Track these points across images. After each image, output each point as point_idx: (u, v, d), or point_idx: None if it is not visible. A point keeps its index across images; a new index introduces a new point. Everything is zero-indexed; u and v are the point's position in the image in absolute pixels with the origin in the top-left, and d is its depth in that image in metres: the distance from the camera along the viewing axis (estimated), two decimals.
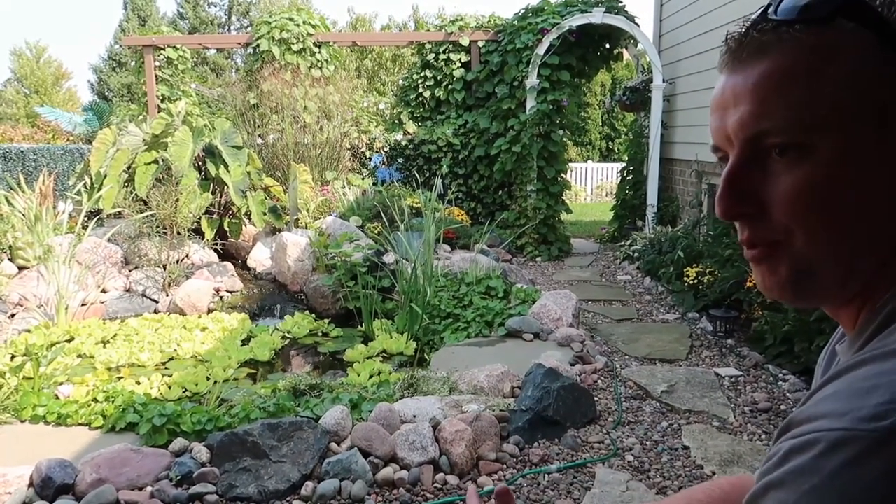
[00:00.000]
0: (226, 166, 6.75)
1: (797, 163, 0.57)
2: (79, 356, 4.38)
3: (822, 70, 0.56)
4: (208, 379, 3.96)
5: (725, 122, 0.62)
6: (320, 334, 5.08)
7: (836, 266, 0.58)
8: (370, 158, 9.20)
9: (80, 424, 3.13)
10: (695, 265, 5.40)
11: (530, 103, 8.05)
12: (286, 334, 4.97)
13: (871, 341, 0.56)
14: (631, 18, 8.11)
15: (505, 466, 2.82)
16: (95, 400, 3.31)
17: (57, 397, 3.40)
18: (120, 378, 3.99)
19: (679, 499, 0.87)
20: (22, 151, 7.98)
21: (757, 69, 0.59)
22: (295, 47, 9.24)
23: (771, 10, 0.59)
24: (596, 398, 3.46)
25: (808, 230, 0.58)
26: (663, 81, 8.01)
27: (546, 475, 2.75)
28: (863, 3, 0.55)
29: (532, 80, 8.00)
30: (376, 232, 6.36)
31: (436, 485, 2.67)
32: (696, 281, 5.19)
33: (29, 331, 4.77)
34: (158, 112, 8.55)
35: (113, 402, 3.20)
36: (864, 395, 0.48)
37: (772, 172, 0.59)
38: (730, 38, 0.62)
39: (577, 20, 7.94)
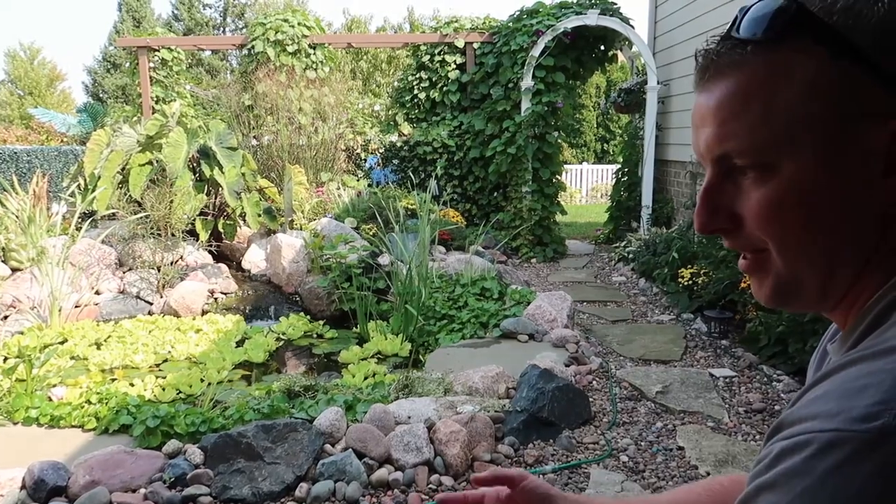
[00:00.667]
0: (220, 168, 6.74)
1: (762, 181, 0.58)
2: (72, 358, 4.36)
3: (776, 89, 0.57)
4: (202, 381, 3.95)
5: (699, 140, 0.63)
6: (315, 336, 5.07)
7: (814, 276, 0.59)
8: (365, 160, 9.19)
9: (73, 426, 3.11)
10: (689, 266, 5.41)
11: (525, 105, 8.06)
12: (281, 336, 4.96)
13: (861, 340, 0.56)
14: (625, 20, 8.13)
15: (500, 467, 2.81)
16: (89, 402, 3.29)
17: (50, 399, 3.38)
18: (114, 380, 3.97)
19: (678, 493, 0.87)
20: (15, 153, 7.95)
21: (717, 90, 0.60)
22: (290, 49, 9.23)
23: (734, 28, 0.59)
24: (591, 399, 3.46)
25: (780, 244, 0.59)
26: (658, 83, 8.03)
27: (541, 476, 2.75)
28: (812, 19, 0.55)
29: (527, 82, 8.01)
30: (371, 233, 6.36)
31: (430, 486, 2.67)
32: (690, 282, 5.20)
33: (22, 333, 4.75)
34: (153, 113, 8.53)
35: (106, 403, 3.19)
36: (855, 396, 0.48)
37: (743, 189, 0.60)
38: (698, 55, 0.62)
39: (571, 22, 7.95)
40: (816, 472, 0.46)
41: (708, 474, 2.75)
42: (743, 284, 4.43)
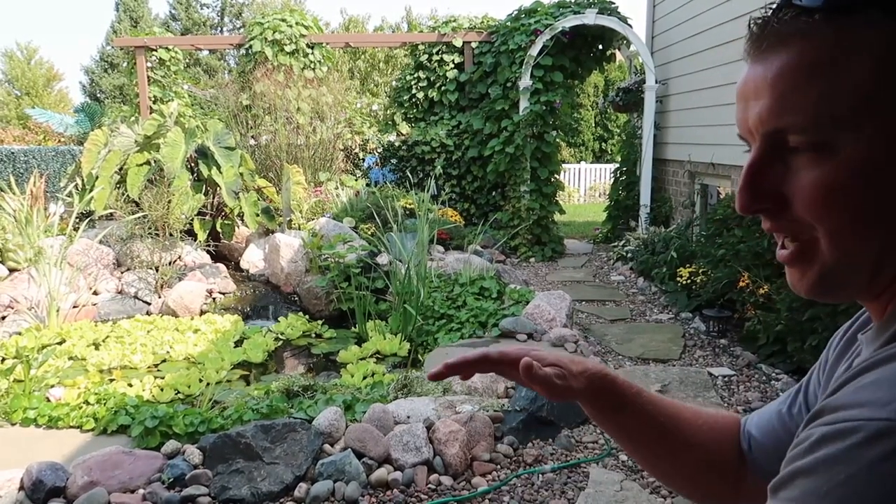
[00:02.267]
0: (218, 167, 6.73)
1: (818, 161, 0.55)
2: (70, 358, 4.35)
3: (844, 64, 0.54)
4: (201, 381, 3.94)
5: (747, 114, 0.60)
6: (314, 335, 5.06)
7: (861, 265, 0.57)
8: (363, 159, 9.18)
9: (71, 427, 3.11)
10: (688, 265, 5.41)
11: (523, 104, 8.06)
12: (279, 336, 4.96)
13: None
14: (623, 20, 8.13)
15: (499, 467, 2.82)
16: (87, 402, 3.29)
17: (48, 400, 3.38)
18: (112, 380, 3.97)
19: (686, 407, 0.87)
20: (13, 153, 7.94)
21: (776, 61, 0.57)
22: (288, 48, 9.22)
23: None
24: None
25: (830, 229, 0.56)
26: (656, 82, 8.03)
27: (540, 475, 2.75)
28: None
29: (525, 81, 8.01)
30: (370, 233, 6.35)
31: (430, 485, 2.66)
32: (689, 281, 5.20)
33: (20, 333, 4.74)
34: (150, 113, 8.52)
35: (104, 404, 3.18)
36: None
37: (793, 168, 0.57)
38: (752, 25, 0.59)
39: (569, 21, 7.95)
40: (862, 460, 0.44)
41: None
42: (741, 283, 4.43)
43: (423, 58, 9.41)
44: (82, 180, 6.75)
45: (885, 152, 0.53)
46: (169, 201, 6.16)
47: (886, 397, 0.46)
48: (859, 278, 0.58)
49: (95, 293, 5.58)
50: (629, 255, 7.14)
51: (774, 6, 0.57)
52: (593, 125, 18.49)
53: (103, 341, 4.68)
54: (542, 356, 0.86)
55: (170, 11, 28.73)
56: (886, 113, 0.53)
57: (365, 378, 3.86)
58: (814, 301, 0.64)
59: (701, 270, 5.13)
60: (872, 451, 0.44)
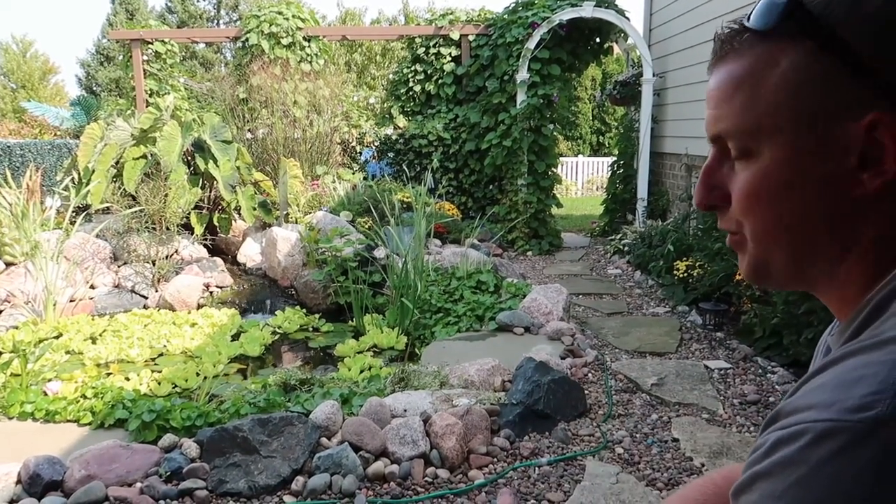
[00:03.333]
0: (215, 161, 6.72)
1: (746, 164, 0.61)
2: (67, 352, 4.35)
3: (762, 77, 0.59)
4: (198, 375, 3.94)
5: (706, 120, 0.66)
6: (311, 329, 5.07)
7: (783, 261, 0.62)
8: (360, 153, 9.16)
9: (68, 421, 3.11)
10: (684, 259, 5.42)
11: (521, 97, 8.04)
12: (276, 329, 4.96)
13: (860, 332, 0.56)
14: (621, 12, 8.11)
15: (495, 460, 2.83)
16: (84, 396, 3.29)
17: (45, 394, 3.38)
18: (109, 374, 3.97)
19: (673, 500, 0.87)
20: (8, 146, 7.91)
21: (719, 74, 0.63)
22: (284, 41, 9.19)
23: (747, 17, 0.61)
24: (586, 391, 3.47)
25: (752, 227, 0.62)
26: (653, 75, 8.02)
27: (537, 468, 2.76)
28: (803, 10, 0.56)
29: (522, 75, 7.99)
30: (367, 227, 6.35)
31: (426, 479, 2.67)
32: (685, 274, 5.21)
33: (16, 327, 4.74)
34: (146, 107, 8.49)
35: (102, 398, 3.18)
36: (850, 386, 0.48)
37: (735, 170, 0.63)
38: (715, 39, 0.65)
39: (567, 14, 7.93)
40: (811, 461, 0.46)
41: (703, 466, 2.76)
42: (738, 277, 4.44)
43: (420, 51, 9.38)
44: (78, 174, 6.73)
45: (798, 158, 0.58)
46: (166, 195, 6.14)
47: (831, 398, 0.48)
48: (781, 271, 0.63)
49: (92, 287, 5.57)
50: (626, 248, 7.15)
51: (732, 24, 0.63)
52: (591, 118, 18.46)
53: (100, 335, 4.68)
54: None
55: (166, 4, 28.60)
56: (798, 122, 0.57)
57: (362, 372, 3.87)
58: (809, 294, 0.68)
59: (697, 264, 5.14)
60: (819, 452, 0.46)
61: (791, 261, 0.62)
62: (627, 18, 8.08)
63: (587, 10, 7.93)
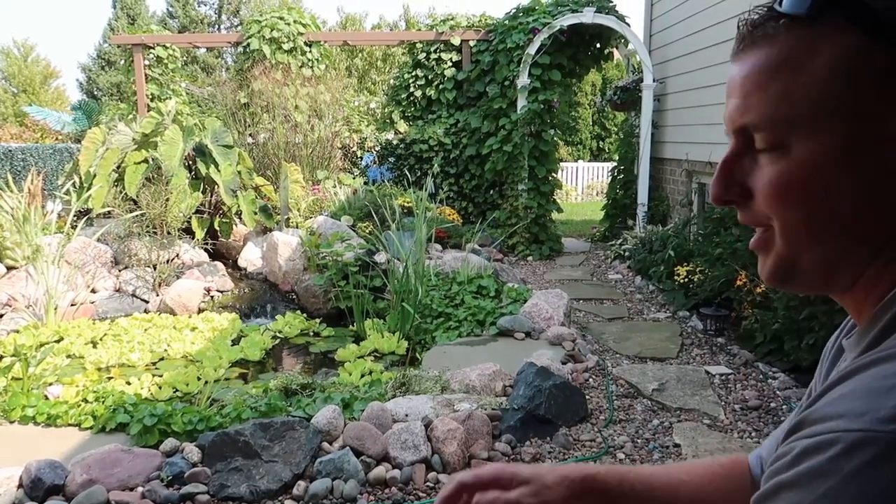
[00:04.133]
0: (216, 166, 6.72)
1: (776, 158, 0.58)
2: (68, 356, 4.35)
3: (802, 66, 0.55)
4: (199, 379, 3.94)
5: (726, 110, 0.63)
6: (311, 334, 5.07)
7: (813, 261, 0.59)
8: (361, 158, 9.18)
9: (69, 425, 3.11)
10: (685, 264, 5.42)
11: (521, 103, 8.06)
12: (277, 334, 4.96)
13: (882, 338, 0.54)
14: (621, 18, 8.14)
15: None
16: (85, 400, 3.29)
17: (46, 398, 3.38)
18: (110, 378, 3.97)
19: (676, 468, 0.86)
20: (10, 151, 7.92)
21: (748, 62, 0.59)
22: (285, 46, 9.21)
23: (777, 1, 0.58)
24: (587, 397, 3.47)
25: (782, 224, 0.59)
26: (653, 81, 8.04)
27: None
28: None
29: (523, 80, 8.01)
30: (367, 231, 6.35)
31: (428, 483, 2.67)
32: (686, 279, 5.21)
33: (18, 331, 4.74)
34: (148, 111, 8.50)
35: (103, 402, 3.19)
36: (882, 395, 0.46)
37: (758, 164, 0.60)
38: (740, 26, 0.61)
39: (567, 20, 7.96)
40: (841, 472, 0.45)
41: None
42: (738, 282, 4.44)
43: (421, 56, 9.41)
44: (80, 178, 6.73)
45: (836, 155, 0.55)
46: (167, 199, 6.15)
47: (862, 407, 0.47)
48: (810, 272, 0.60)
49: (93, 291, 5.57)
50: (627, 253, 7.15)
51: (758, 10, 0.60)
52: (591, 124, 18.49)
53: (101, 339, 4.68)
54: (517, 472, 0.84)
55: (167, 9, 28.65)
56: (839, 116, 0.54)
57: (363, 376, 3.87)
58: (810, 299, 0.67)
59: (698, 269, 5.14)
60: (850, 463, 0.45)
61: (823, 261, 0.59)
62: (628, 24, 8.11)
63: (588, 16, 7.96)
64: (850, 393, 0.49)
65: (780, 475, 0.49)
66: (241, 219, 7.02)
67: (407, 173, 8.85)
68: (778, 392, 3.58)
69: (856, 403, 0.48)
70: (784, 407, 3.38)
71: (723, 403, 3.46)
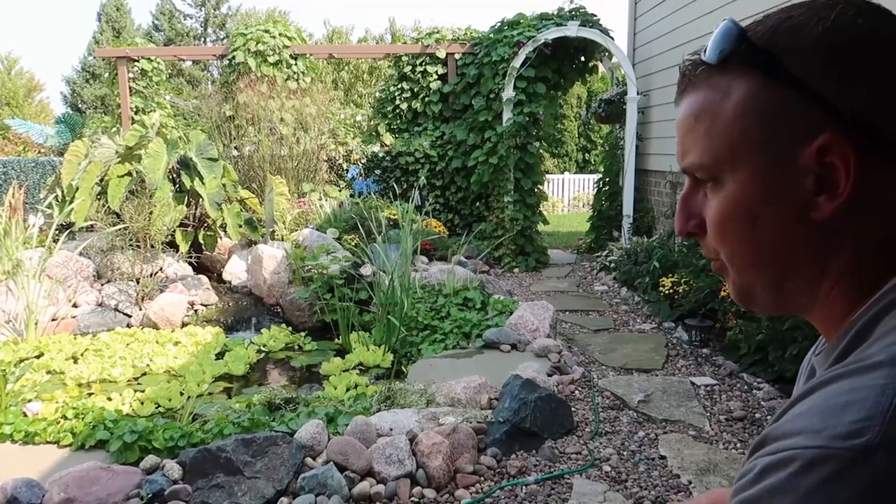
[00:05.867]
0: (201, 178, 6.69)
1: (714, 193, 0.62)
2: (48, 372, 4.28)
3: (718, 108, 0.60)
4: (182, 394, 3.89)
5: (676, 151, 0.67)
6: (296, 348, 5.03)
7: (762, 285, 0.63)
8: (347, 170, 9.17)
9: (48, 442, 3.06)
10: (670, 275, 5.44)
11: (507, 115, 8.10)
12: (262, 348, 4.92)
13: (846, 355, 0.56)
14: (605, 32, 8.21)
15: (482, 479, 2.80)
16: (65, 417, 3.23)
17: (25, 415, 3.32)
18: (90, 394, 3.91)
19: None
20: None
21: (683, 106, 0.64)
22: (271, 59, 9.21)
23: (703, 51, 0.63)
24: (573, 409, 3.46)
25: (727, 254, 0.63)
26: (637, 93, 8.11)
27: (524, 487, 2.74)
28: (748, 42, 0.58)
29: (508, 93, 8.05)
30: (353, 244, 6.33)
31: (413, 499, 2.65)
32: (671, 291, 5.24)
33: None
34: (132, 124, 8.45)
35: (83, 419, 3.13)
36: (839, 412, 0.47)
37: (708, 198, 0.64)
38: (680, 71, 0.66)
39: (552, 33, 8.02)
40: (800, 489, 0.46)
41: (690, 483, 2.76)
42: (723, 293, 4.47)
43: (407, 69, 9.44)
44: (62, 191, 6.67)
45: (759, 185, 0.59)
46: (150, 213, 6.10)
47: (819, 424, 0.48)
48: (763, 294, 0.64)
49: (75, 306, 5.51)
50: (612, 265, 7.18)
51: (691, 58, 0.64)
52: (576, 136, 18.61)
53: (82, 355, 4.62)
54: None
55: (153, 22, 28.62)
56: (755, 150, 0.58)
57: (348, 390, 3.84)
58: None
59: (683, 280, 5.16)
60: (807, 480, 0.46)
61: (771, 286, 0.62)
62: (612, 38, 8.18)
63: (572, 30, 8.02)
64: (809, 410, 0.50)
65: (744, 492, 0.50)
66: (225, 232, 6.98)
67: (393, 186, 8.84)
68: (762, 402, 3.59)
69: (813, 420, 0.49)
70: (769, 417, 3.38)
71: (708, 414, 3.47)
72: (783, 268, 0.61)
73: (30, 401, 3.58)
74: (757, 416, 3.43)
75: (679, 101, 0.65)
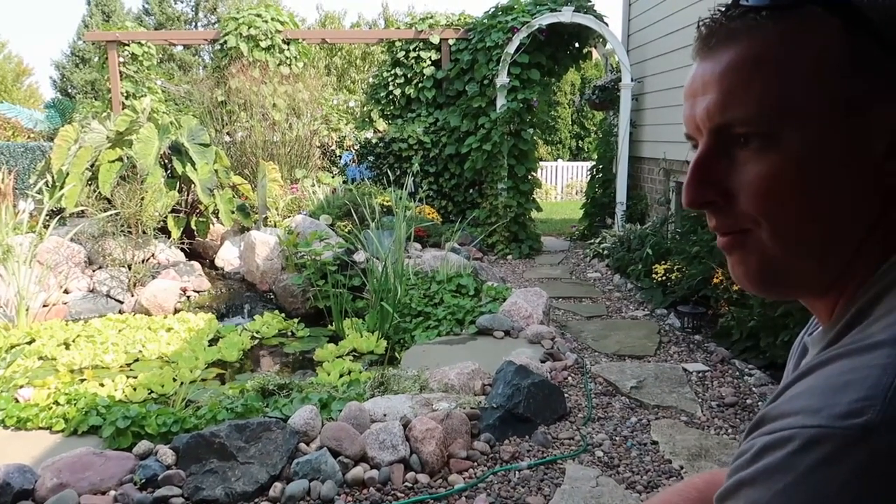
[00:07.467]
0: (193, 164, 6.64)
1: (762, 153, 0.56)
2: (40, 358, 4.27)
3: (787, 59, 0.55)
4: (175, 380, 3.89)
5: (695, 111, 0.61)
6: (289, 334, 5.02)
7: (805, 259, 0.57)
8: (340, 157, 9.13)
9: (40, 428, 3.05)
10: (663, 262, 5.46)
11: (501, 101, 8.07)
12: (255, 334, 4.91)
13: (844, 335, 0.55)
14: (600, 18, 8.18)
15: (476, 464, 2.82)
16: (57, 403, 3.23)
17: (17, 401, 3.31)
18: (83, 380, 3.90)
19: (655, 502, 0.86)
20: None
21: (724, 57, 0.58)
22: (263, 44, 9.13)
23: None
24: (566, 395, 3.48)
25: (773, 222, 0.57)
26: (632, 80, 8.08)
27: (517, 472, 2.75)
28: None
29: (502, 79, 8.02)
30: (346, 230, 6.31)
31: (406, 484, 2.66)
32: (664, 278, 5.25)
33: None
34: (123, 109, 8.38)
35: (75, 404, 3.13)
36: (838, 392, 0.47)
37: (738, 162, 0.58)
38: (701, 25, 0.60)
39: (546, 19, 7.98)
40: (798, 468, 0.45)
41: (681, 468, 2.77)
42: (715, 280, 4.48)
43: (401, 55, 9.38)
44: (52, 177, 6.62)
45: (825, 146, 0.54)
46: (142, 198, 6.06)
47: (818, 404, 0.47)
48: (802, 273, 0.58)
49: (66, 292, 5.48)
50: (605, 252, 7.19)
51: (723, 6, 0.59)
52: (570, 123, 18.57)
53: (74, 341, 4.60)
54: None
55: (143, 6, 28.27)
56: (826, 106, 0.54)
57: (341, 376, 3.84)
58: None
59: (676, 267, 5.18)
60: (807, 459, 0.45)
61: (816, 256, 0.57)
62: (606, 24, 8.14)
63: (566, 16, 7.98)
64: (808, 390, 0.50)
65: (741, 472, 0.50)
66: (218, 218, 6.95)
67: (386, 172, 8.82)
68: (754, 388, 3.61)
69: (812, 400, 0.48)
70: (760, 403, 3.41)
71: (700, 400, 3.49)
72: (833, 238, 0.56)
73: (21, 387, 3.57)
74: (748, 401, 3.45)
75: (715, 51, 0.59)
